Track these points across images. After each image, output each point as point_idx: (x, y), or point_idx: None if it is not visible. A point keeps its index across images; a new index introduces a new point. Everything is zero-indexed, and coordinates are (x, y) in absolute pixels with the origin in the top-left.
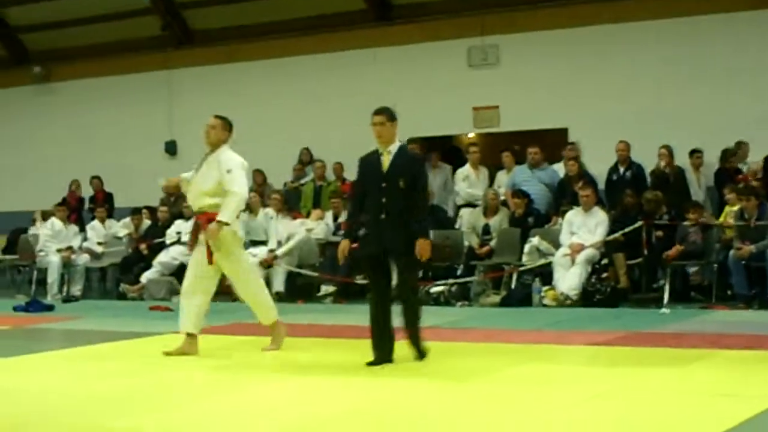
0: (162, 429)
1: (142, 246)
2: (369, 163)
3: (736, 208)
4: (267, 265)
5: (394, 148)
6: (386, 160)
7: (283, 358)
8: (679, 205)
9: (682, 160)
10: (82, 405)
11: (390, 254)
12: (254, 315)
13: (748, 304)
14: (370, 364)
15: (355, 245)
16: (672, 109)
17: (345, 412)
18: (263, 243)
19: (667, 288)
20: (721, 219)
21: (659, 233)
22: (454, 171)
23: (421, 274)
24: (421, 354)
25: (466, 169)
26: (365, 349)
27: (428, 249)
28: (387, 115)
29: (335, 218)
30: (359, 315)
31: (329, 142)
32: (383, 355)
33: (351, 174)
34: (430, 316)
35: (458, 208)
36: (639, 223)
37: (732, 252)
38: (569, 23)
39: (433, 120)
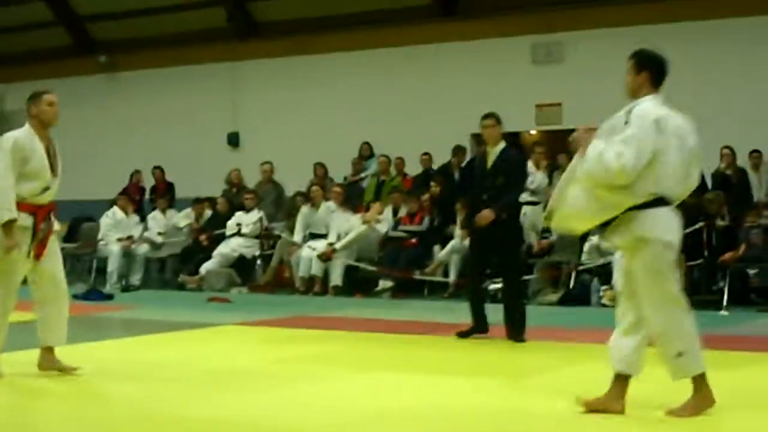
0: (224, 418)
1: (202, 237)
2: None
3: None
4: (326, 258)
5: (498, 148)
6: (490, 160)
7: (343, 352)
8: (741, 206)
9: (743, 161)
10: (154, 393)
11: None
12: None
13: None
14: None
15: None
16: (735, 110)
17: (405, 408)
18: (324, 236)
19: (726, 290)
20: None
21: (720, 235)
22: None
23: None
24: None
25: (530, 168)
26: (422, 345)
27: (487, 217)
28: (495, 118)
29: (395, 213)
30: (416, 311)
31: (391, 137)
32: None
33: (412, 169)
34: (488, 313)
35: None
36: (699, 224)
37: None
38: (633, 21)
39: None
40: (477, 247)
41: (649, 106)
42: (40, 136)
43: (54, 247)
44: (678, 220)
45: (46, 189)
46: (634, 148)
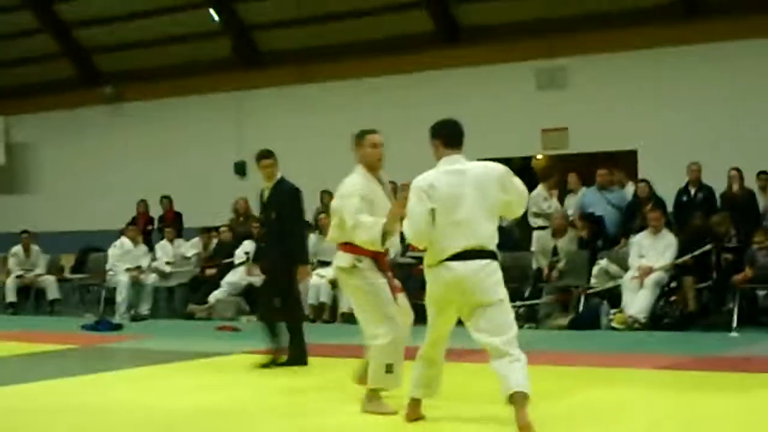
0: None
1: (209, 271)
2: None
3: None
4: (335, 284)
5: (272, 183)
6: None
7: (349, 380)
8: (749, 227)
9: (751, 182)
10: (153, 424)
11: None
12: None
13: None
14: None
15: None
16: (742, 131)
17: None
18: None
19: (736, 312)
20: None
21: (728, 256)
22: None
23: None
24: None
25: (539, 192)
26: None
27: (307, 274)
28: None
29: (402, 239)
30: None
31: (397, 163)
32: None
33: None
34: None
35: (532, 230)
36: (708, 246)
37: None
38: (636, 45)
39: (501, 141)
40: (269, 284)
41: (426, 174)
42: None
43: None
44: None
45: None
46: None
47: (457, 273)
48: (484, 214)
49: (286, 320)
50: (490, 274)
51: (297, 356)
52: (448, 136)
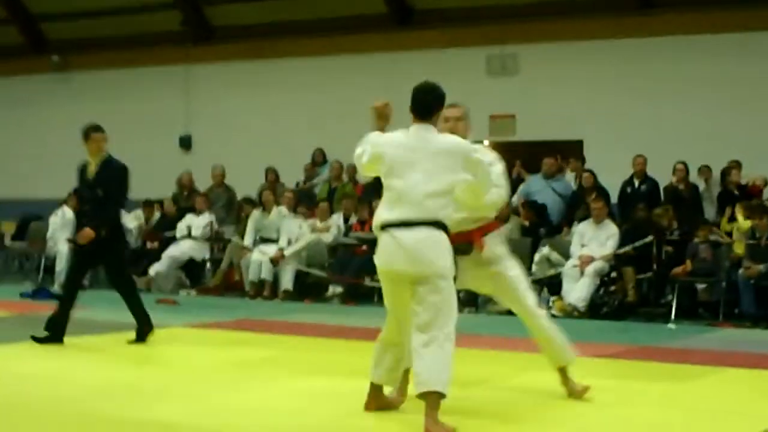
0: (168, 421)
1: (150, 243)
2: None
3: (745, 226)
4: (276, 262)
5: (100, 159)
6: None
7: (290, 357)
8: (691, 221)
9: (696, 177)
10: (90, 394)
11: None
12: None
13: (755, 323)
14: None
15: None
16: (689, 125)
17: (346, 414)
18: (274, 241)
19: (675, 304)
20: (736, 229)
21: (669, 249)
22: None
23: None
24: None
25: None
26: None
27: (87, 236)
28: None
29: (346, 220)
30: (366, 317)
31: (344, 144)
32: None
33: None
34: None
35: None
36: (649, 238)
37: (741, 271)
38: (589, 35)
39: None
40: (79, 258)
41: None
42: None
43: None
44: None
45: None
46: None
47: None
48: (432, 187)
49: (122, 292)
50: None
51: (142, 326)
52: (414, 105)
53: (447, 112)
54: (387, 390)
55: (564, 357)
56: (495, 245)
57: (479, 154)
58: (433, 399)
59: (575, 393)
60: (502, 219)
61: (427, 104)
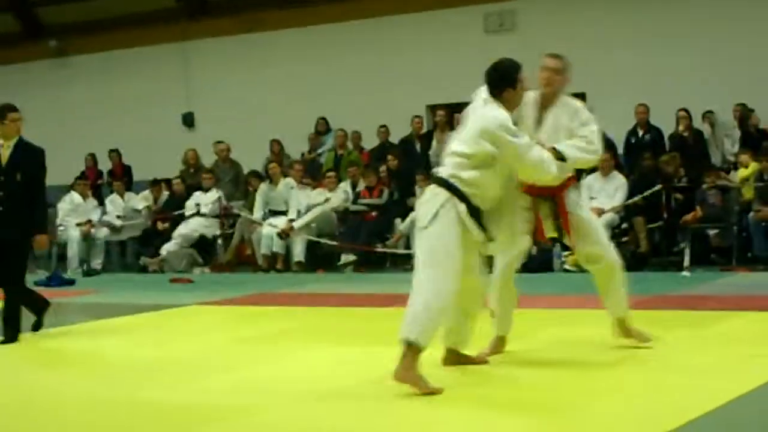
0: (190, 400)
1: (160, 223)
2: None
3: (750, 170)
4: (286, 235)
5: (13, 142)
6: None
7: (307, 328)
8: (698, 168)
9: (699, 123)
10: (110, 376)
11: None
12: None
13: None
14: None
15: None
16: (689, 72)
17: (368, 382)
18: (284, 213)
19: (687, 251)
20: (739, 177)
21: (679, 196)
22: None
23: None
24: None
25: None
26: (386, 317)
27: (44, 244)
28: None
29: (354, 187)
30: (379, 284)
31: (347, 112)
32: None
33: (369, 142)
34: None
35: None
36: (658, 187)
37: (751, 214)
38: None
39: (450, 87)
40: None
41: None
42: None
43: None
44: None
45: None
46: None
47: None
48: (455, 148)
49: (6, 291)
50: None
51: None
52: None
53: (545, 62)
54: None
55: (624, 308)
56: (572, 194)
57: (509, 136)
58: (404, 347)
59: (641, 338)
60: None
61: (492, 82)
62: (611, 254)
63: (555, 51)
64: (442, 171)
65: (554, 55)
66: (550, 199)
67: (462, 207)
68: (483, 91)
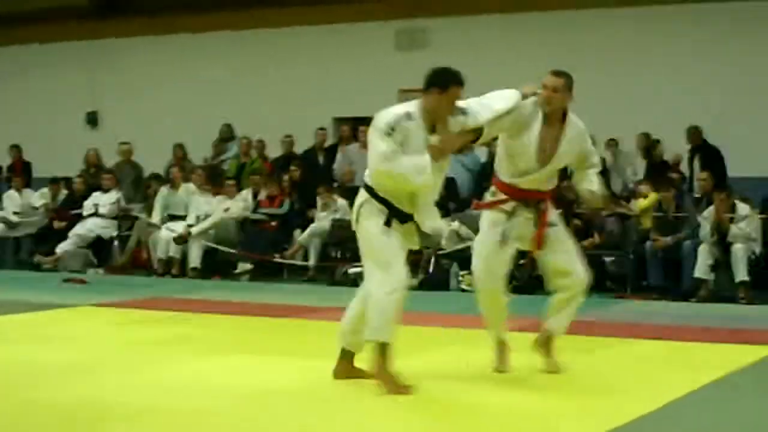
0: (83, 399)
1: (56, 222)
2: None
3: (649, 200)
4: (183, 240)
5: None
6: None
7: (198, 334)
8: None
9: (602, 150)
10: (2, 376)
11: None
12: None
13: (663, 295)
14: None
15: None
16: (594, 98)
17: (257, 391)
18: (183, 218)
19: None
20: (639, 207)
21: (578, 222)
22: None
23: (339, 254)
24: None
25: None
26: (279, 328)
27: None
28: None
29: (255, 195)
30: (275, 294)
31: (253, 119)
32: None
33: (273, 152)
34: (346, 297)
35: None
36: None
37: (649, 243)
38: (498, 8)
39: (359, 102)
40: None
41: None
42: None
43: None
44: None
45: None
46: None
47: None
48: None
49: None
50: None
51: None
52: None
53: (544, 80)
54: None
55: (563, 327)
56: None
57: (376, 137)
58: (372, 347)
59: (552, 367)
60: None
61: (426, 78)
62: (581, 271)
63: (466, 68)
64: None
65: (556, 73)
66: (533, 205)
67: (378, 205)
68: None
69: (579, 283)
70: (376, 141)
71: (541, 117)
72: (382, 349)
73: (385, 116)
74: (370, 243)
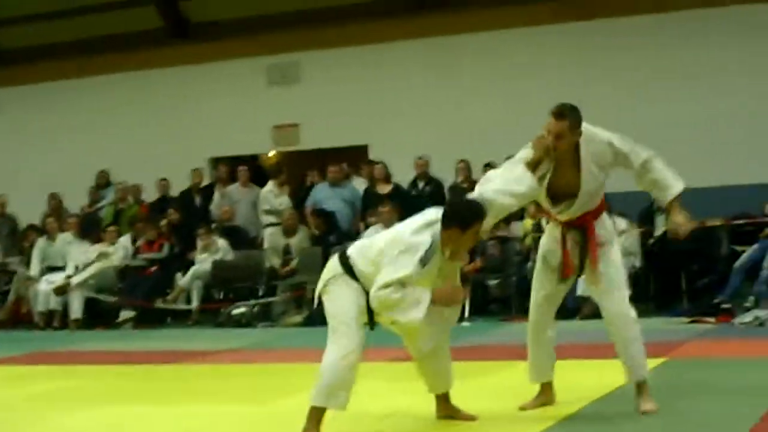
0: None
1: None
2: None
3: (530, 222)
4: (61, 292)
5: None
6: None
7: (83, 386)
8: None
9: (479, 174)
10: None
11: None
12: None
13: None
14: None
15: None
16: (468, 124)
17: None
18: (62, 269)
19: (468, 301)
20: (523, 227)
21: None
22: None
23: (222, 295)
24: None
25: (270, 189)
26: (164, 374)
27: None
28: None
29: (134, 241)
30: (159, 340)
31: (128, 164)
32: None
33: (149, 195)
34: (232, 338)
35: (265, 227)
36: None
37: (530, 264)
38: (367, 40)
39: (232, 139)
40: None
41: None
42: None
43: None
44: None
45: None
46: None
47: None
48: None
49: None
50: None
51: None
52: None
53: (547, 124)
54: None
55: (635, 369)
56: (607, 223)
57: (401, 250)
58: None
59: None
60: None
61: (447, 213)
62: (612, 304)
63: (339, 102)
64: (351, 248)
65: (558, 115)
66: (578, 227)
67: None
68: (434, 213)
69: (613, 320)
70: (406, 260)
71: (550, 166)
72: (321, 414)
73: (421, 239)
74: (334, 305)
